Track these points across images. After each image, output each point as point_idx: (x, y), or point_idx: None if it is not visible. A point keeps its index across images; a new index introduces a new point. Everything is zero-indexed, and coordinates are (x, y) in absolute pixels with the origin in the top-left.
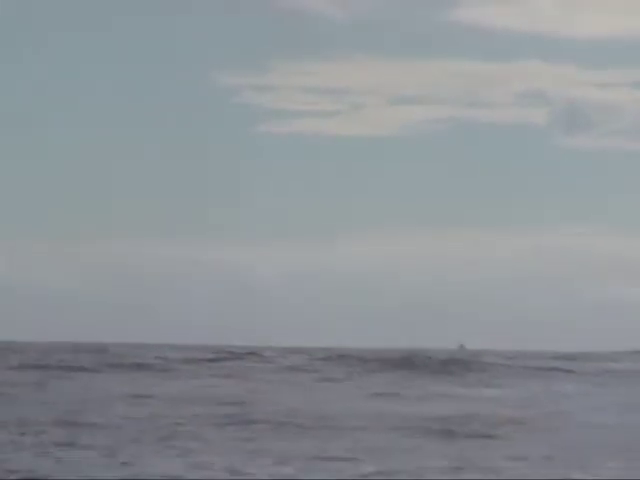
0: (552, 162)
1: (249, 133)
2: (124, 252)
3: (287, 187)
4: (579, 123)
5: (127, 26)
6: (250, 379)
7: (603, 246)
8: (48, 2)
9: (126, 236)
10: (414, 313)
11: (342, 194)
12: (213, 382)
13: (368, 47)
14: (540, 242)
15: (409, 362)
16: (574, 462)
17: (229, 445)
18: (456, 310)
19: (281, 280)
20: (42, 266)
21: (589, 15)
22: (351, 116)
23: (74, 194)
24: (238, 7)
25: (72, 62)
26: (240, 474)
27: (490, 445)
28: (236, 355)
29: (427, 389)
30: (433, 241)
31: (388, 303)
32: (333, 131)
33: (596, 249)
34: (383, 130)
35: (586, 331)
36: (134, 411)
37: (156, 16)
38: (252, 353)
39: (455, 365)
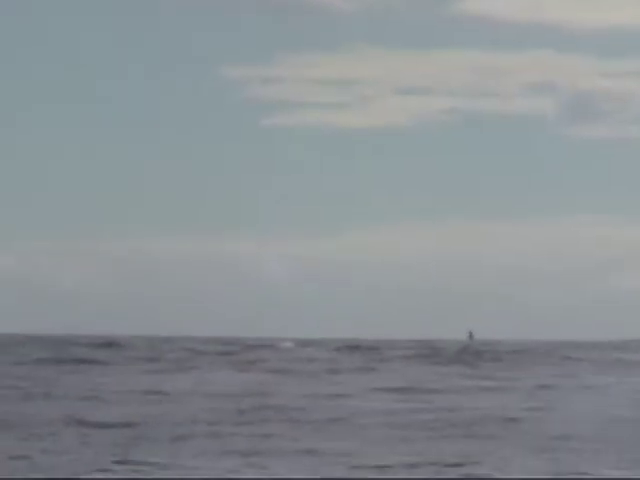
0: (561, 153)
1: (257, 126)
2: (136, 248)
3: (296, 179)
4: (588, 113)
5: (134, 20)
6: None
7: (615, 236)
8: None
9: (137, 232)
10: (423, 304)
11: (351, 186)
12: (234, 375)
13: (375, 38)
14: (550, 233)
15: (428, 353)
16: None
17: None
18: (465, 301)
19: (291, 273)
20: (55, 262)
21: (597, 4)
22: (358, 107)
23: (85, 191)
24: (244, 0)
25: (78, 59)
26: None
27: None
28: (250, 347)
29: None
30: (441, 233)
31: (397, 294)
32: (340, 123)
33: (607, 239)
34: (391, 121)
35: (599, 321)
36: (149, 408)
37: (162, 10)
38: (268, 346)
39: (469, 355)
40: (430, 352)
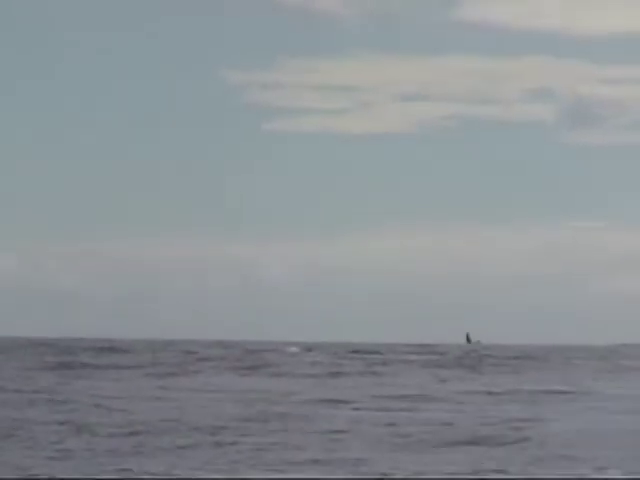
0: (560, 158)
1: (258, 130)
2: (137, 250)
3: (297, 184)
4: (587, 119)
5: (137, 25)
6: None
7: (613, 241)
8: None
9: (138, 234)
10: (423, 308)
11: (351, 190)
12: (237, 380)
13: (376, 45)
14: (549, 237)
15: (431, 358)
16: None
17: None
18: (465, 305)
19: (291, 276)
20: (56, 265)
21: (596, 12)
22: (359, 113)
23: (88, 194)
24: (246, 5)
25: (79, 60)
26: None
27: None
28: (254, 351)
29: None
30: (441, 237)
31: (397, 298)
32: (341, 128)
33: (605, 243)
34: (391, 127)
35: (596, 324)
36: (152, 414)
37: (165, 15)
38: (273, 350)
39: (471, 359)
40: (432, 357)
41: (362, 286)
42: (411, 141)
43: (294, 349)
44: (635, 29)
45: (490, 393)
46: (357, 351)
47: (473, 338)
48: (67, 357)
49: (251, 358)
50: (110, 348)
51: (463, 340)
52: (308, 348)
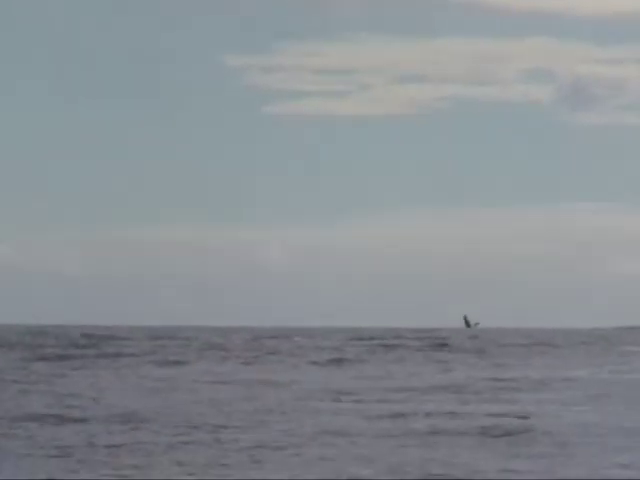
0: (558, 139)
1: (258, 113)
2: (137, 236)
3: (297, 166)
4: (585, 100)
5: (137, 10)
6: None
7: (614, 222)
8: None
9: (138, 219)
10: (424, 291)
11: (352, 173)
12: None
13: (374, 27)
14: (548, 219)
15: (433, 343)
16: None
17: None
18: (466, 288)
19: (292, 260)
20: (56, 252)
21: None
22: (358, 96)
23: (89, 180)
24: None
25: (79, 47)
26: None
27: None
28: (258, 338)
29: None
30: (441, 219)
31: (398, 281)
32: (340, 111)
33: (606, 224)
34: (391, 109)
35: (601, 307)
36: (152, 404)
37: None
38: (283, 336)
39: (477, 344)
40: (434, 342)
41: (362, 270)
42: (411, 123)
43: (297, 339)
44: (633, 10)
45: (496, 380)
46: (360, 338)
47: (471, 320)
48: (66, 347)
49: (253, 346)
50: (110, 336)
51: (461, 324)
52: (312, 334)
